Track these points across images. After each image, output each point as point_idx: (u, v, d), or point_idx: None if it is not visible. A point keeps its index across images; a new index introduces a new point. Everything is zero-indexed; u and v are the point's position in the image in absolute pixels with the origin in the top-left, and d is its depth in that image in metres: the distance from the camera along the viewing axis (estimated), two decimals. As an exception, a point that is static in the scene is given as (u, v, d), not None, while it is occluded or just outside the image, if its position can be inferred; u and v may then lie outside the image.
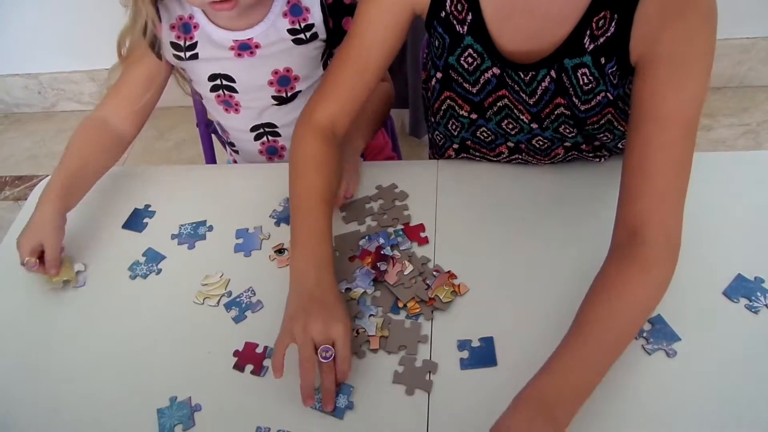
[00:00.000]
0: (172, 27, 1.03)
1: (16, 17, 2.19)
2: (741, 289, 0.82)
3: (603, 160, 1.00)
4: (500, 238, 0.93)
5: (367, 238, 0.94)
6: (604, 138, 0.93)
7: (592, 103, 0.85)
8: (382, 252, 0.91)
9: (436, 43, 0.90)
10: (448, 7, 0.86)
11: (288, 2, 1.01)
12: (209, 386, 0.82)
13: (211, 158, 1.38)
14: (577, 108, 0.87)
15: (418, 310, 0.85)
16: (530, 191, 0.98)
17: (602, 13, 0.78)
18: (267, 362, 0.83)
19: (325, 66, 1.09)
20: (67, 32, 2.21)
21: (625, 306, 0.73)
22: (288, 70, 1.06)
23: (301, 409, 0.78)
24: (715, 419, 0.72)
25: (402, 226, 0.96)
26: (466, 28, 0.86)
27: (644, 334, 0.79)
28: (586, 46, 0.80)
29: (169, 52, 1.04)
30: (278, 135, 1.16)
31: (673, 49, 0.74)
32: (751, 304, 0.81)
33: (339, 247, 0.93)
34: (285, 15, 1.01)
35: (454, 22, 0.86)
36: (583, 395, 0.69)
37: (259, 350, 0.84)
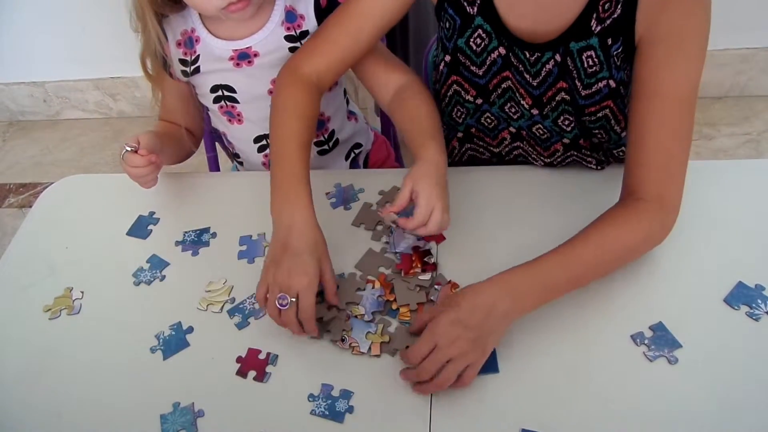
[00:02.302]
0: (179, 44, 1.04)
1: (21, 25, 2.21)
2: (742, 296, 0.83)
3: (602, 168, 1.01)
4: (503, 245, 0.93)
5: (389, 242, 0.95)
6: (600, 135, 0.94)
7: (593, 89, 0.87)
8: (420, 249, 0.92)
9: (447, 25, 0.91)
10: None
11: (285, 9, 1.02)
12: (212, 392, 0.82)
13: (214, 166, 1.39)
14: (578, 93, 0.88)
15: (407, 318, 0.86)
16: (533, 198, 0.99)
17: None
18: (270, 368, 0.83)
19: None
20: (73, 41, 2.24)
21: (612, 240, 0.81)
22: None
23: (304, 415, 0.78)
24: (716, 426, 0.72)
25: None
26: (476, 8, 0.88)
27: (646, 341, 0.80)
28: (593, 28, 0.83)
29: (178, 69, 1.06)
30: None
31: (669, 29, 0.78)
32: (751, 311, 0.81)
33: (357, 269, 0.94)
34: (282, 23, 1.02)
35: (465, 3, 0.88)
36: (549, 294, 0.79)
37: (261, 356, 0.84)
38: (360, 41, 0.93)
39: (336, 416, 0.77)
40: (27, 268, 1.00)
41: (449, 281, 0.89)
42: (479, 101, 0.97)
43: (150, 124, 1.15)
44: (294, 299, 0.79)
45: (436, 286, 0.89)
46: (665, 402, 0.75)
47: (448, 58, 0.94)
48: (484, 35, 0.89)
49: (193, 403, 0.81)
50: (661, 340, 0.80)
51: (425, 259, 0.91)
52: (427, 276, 0.89)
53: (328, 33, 0.93)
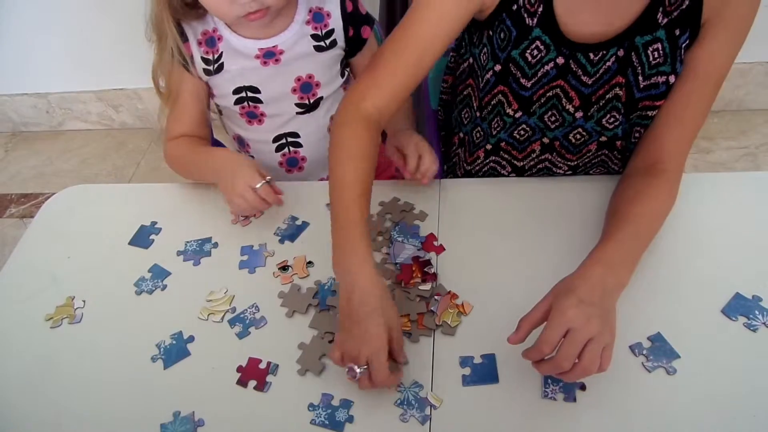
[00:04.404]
0: (200, 43, 1.05)
1: (24, 37, 2.23)
2: (739, 307, 0.83)
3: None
4: (502, 256, 0.94)
5: (389, 253, 0.95)
6: (637, 134, 0.95)
7: (652, 81, 0.88)
8: (420, 259, 0.93)
9: (502, 35, 0.91)
10: (521, 1, 0.87)
11: (310, 11, 1.05)
12: (213, 402, 0.82)
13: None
14: (637, 86, 0.89)
15: (407, 329, 0.86)
16: (532, 209, 1.00)
17: None
18: (270, 378, 0.83)
19: (343, 74, 1.13)
20: (76, 52, 2.25)
21: (654, 209, 0.87)
22: (310, 76, 1.09)
23: (304, 424, 0.78)
24: (715, 437, 0.73)
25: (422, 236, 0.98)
26: (535, 20, 0.87)
27: (644, 352, 0.80)
28: (660, 21, 0.84)
29: (199, 68, 1.07)
30: (300, 146, 1.18)
31: (736, 12, 0.82)
32: (749, 322, 0.82)
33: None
34: (308, 23, 1.05)
35: (525, 15, 0.88)
36: (635, 265, 0.82)
37: (262, 366, 0.84)
38: (423, 67, 0.89)
39: (336, 426, 0.78)
40: (29, 278, 1.01)
41: (449, 291, 0.89)
42: (518, 114, 0.97)
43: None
44: (365, 367, 0.75)
45: (435, 297, 0.89)
46: (663, 413, 0.75)
47: (498, 67, 0.93)
48: (542, 47, 0.89)
49: (193, 412, 0.81)
50: (659, 351, 0.80)
51: (425, 269, 0.92)
52: (427, 286, 0.90)
53: (390, 63, 0.88)
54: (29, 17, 2.16)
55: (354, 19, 1.07)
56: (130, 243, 1.04)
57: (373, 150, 0.88)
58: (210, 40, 1.05)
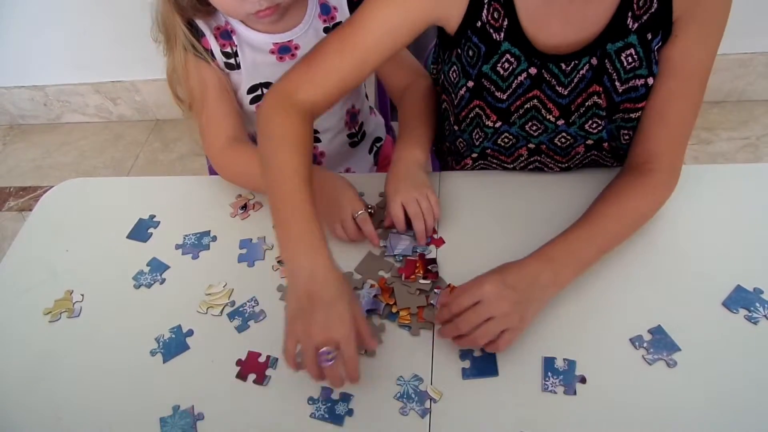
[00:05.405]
0: (215, 37, 1.01)
1: (22, 29, 2.21)
2: (740, 300, 0.83)
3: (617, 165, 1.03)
4: (502, 249, 0.93)
5: (387, 245, 0.95)
6: (626, 136, 0.94)
7: (630, 84, 0.87)
8: (426, 256, 0.93)
9: (470, 53, 0.89)
10: (484, 17, 0.86)
11: (318, 1, 1.03)
12: (212, 395, 0.82)
13: (214, 170, 1.39)
14: (615, 91, 0.88)
15: (407, 321, 0.86)
16: (533, 202, 0.99)
17: None
18: (270, 371, 0.83)
19: None
20: (74, 45, 2.24)
21: (630, 209, 0.88)
22: None
23: (303, 418, 0.78)
24: (715, 429, 0.72)
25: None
26: (502, 34, 0.86)
27: (644, 345, 0.80)
28: (630, 27, 0.82)
29: (220, 61, 1.03)
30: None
31: (708, 8, 0.81)
32: (750, 314, 0.82)
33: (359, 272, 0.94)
34: (319, 15, 1.03)
35: (491, 30, 0.86)
36: (583, 266, 0.83)
37: (261, 359, 0.84)
38: (362, 71, 0.88)
39: (336, 419, 0.78)
40: (27, 271, 1.01)
41: (449, 285, 0.89)
42: (498, 124, 0.96)
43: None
44: (336, 351, 0.72)
45: (435, 290, 0.89)
46: (664, 405, 0.75)
47: (470, 84, 0.92)
48: (512, 59, 0.87)
49: (192, 406, 0.81)
50: (659, 344, 0.80)
51: (429, 267, 0.91)
52: (427, 280, 0.90)
53: (329, 61, 0.87)
54: (27, 9, 2.15)
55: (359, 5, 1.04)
56: (128, 236, 1.04)
57: (310, 140, 0.87)
58: (225, 34, 1.02)
